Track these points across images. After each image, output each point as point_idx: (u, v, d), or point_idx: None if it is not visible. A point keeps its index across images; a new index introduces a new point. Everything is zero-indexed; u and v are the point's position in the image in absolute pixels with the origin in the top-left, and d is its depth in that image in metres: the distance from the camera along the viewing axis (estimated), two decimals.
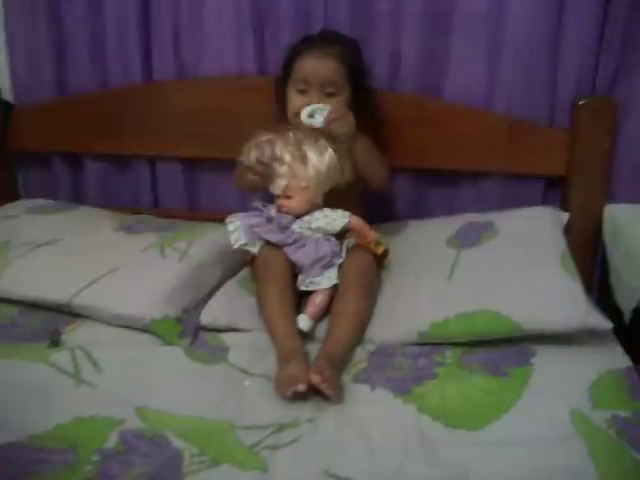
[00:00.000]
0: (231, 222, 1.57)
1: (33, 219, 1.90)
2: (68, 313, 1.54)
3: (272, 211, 1.56)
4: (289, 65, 1.65)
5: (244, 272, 1.66)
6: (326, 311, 1.49)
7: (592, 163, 1.72)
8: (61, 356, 1.34)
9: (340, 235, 1.57)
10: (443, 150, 1.80)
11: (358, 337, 1.42)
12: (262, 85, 1.78)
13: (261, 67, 1.89)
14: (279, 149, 1.53)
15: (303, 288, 1.50)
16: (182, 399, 1.24)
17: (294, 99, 1.62)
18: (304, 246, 1.51)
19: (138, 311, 1.47)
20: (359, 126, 1.60)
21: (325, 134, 1.56)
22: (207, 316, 1.51)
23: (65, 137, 2.08)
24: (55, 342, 1.43)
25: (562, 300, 1.37)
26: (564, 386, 1.22)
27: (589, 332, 1.35)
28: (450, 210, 1.86)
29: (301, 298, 1.52)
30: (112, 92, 2.01)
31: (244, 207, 1.64)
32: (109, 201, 2.10)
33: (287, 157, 1.53)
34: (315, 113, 1.56)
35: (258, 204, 1.60)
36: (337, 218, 1.54)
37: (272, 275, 1.48)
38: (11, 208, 2.00)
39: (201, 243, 1.69)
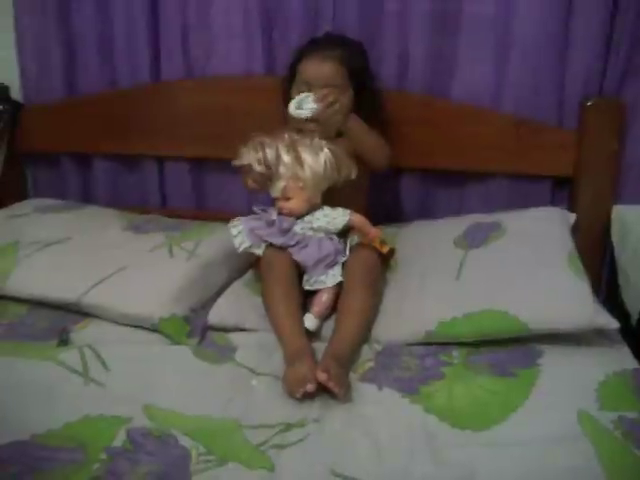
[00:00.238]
0: (234, 226, 1.58)
1: (42, 218, 1.90)
2: (76, 312, 1.55)
3: (273, 215, 1.57)
4: (294, 67, 1.66)
5: (251, 273, 1.67)
6: (332, 310, 1.49)
7: (600, 164, 1.72)
8: (70, 355, 1.35)
9: (343, 233, 1.58)
10: (450, 150, 1.80)
11: (364, 335, 1.42)
12: (270, 85, 1.78)
13: (269, 67, 1.90)
14: (275, 151, 1.54)
15: (308, 287, 1.50)
16: (189, 398, 1.24)
17: None
18: (307, 246, 1.52)
19: (146, 310, 1.47)
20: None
21: (319, 130, 1.58)
22: (215, 316, 1.51)
23: (74, 137, 2.09)
24: (64, 341, 1.44)
25: (569, 300, 1.37)
26: (571, 387, 1.22)
27: (596, 332, 1.36)
28: (457, 210, 1.86)
29: (306, 298, 1.52)
30: (120, 92, 2.02)
31: (251, 206, 1.64)
32: (117, 201, 2.10)
33: (283, 159, 1.53)
34: (302, 104, 1.56)
35: (258, 209, 1.60)
36: (338, 216, 1.55)
37: (277, 276, 1.49)
38: (20, 207, 2.01)
39: (209, 243, 1.70)
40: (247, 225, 1.57)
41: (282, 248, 1.52)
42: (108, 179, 2.12)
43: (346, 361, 1.32)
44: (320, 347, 1.37)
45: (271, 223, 1.56)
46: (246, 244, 1.55)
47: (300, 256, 1.51)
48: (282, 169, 1.54)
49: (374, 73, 1.71)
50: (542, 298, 1.37)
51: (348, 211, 1.56)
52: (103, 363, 1.33)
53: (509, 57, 1.72)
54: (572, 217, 1.71)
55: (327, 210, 1.56)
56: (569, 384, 1.23)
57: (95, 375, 1.29)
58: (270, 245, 1.53)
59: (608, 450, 1.06)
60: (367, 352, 1.39)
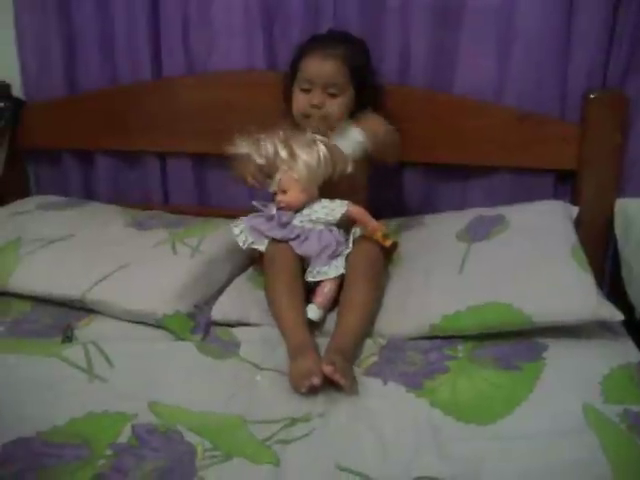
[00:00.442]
0: (236, 226, 1.59)
1: (44, 215, 1.91)
2: (80, 309, 1.56)
3: (272, 210, 1.57)
4: (296, 64, 1.66)
5: (253, 269, 1.67)
6: (334, 303, 1.49)
7: (603, 157, 1.71)
8: (74, 351, 1.35)
9: (346, 227, 1.59)
10: (453, 144, 1.80)
11: (367, 328, 1.42)
12: (271, 80, 1.78)
13: (270, 63, 1.90)
14: (272, 147, 1.55)
15: (311, 279, 1.50)
16: (194, 394, 1.24)
17: (298, 98, 1.64)
18: (308, 239, 1.53)
19: (150, 306, 1.48)
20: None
21: (322, 126, 1.61)
22: (218, 311, 1.52)
23: (75, 134, 2.09)
24: (68, 337, 1.44)
25: (573, 292, 1.36)
26: (576, 380, 1.22)
27: (601, 325, 1.36)
28: (460, 204, 1.86)
29: (309, 293, 1.51)
30: (122, 89, 2.02)
31: (250, 205, 1.65)
32: (119, 197, 2.11)
33: (279, 153, 1.54)
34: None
35: (258, 204, 1.60)
36: (336, 207, 1.56)
37: (280, 269, 1.49)
38: (23, 204, 2.01)
39: (212, 239, 1.70)
40: (248, 223, 1.58)
41: (284, 242, 1.52)
42: (110, 176, 2.12)
43: (350, 354, 1.32)
44: (322, 342, 1.37)
45: (271, 218, 1.56)
46: (249, 241, 1.56)
47: (302, 249, 1.51)
48: (278, 163, 1.55)
49: (375, 69, 1.70)
50: (546, 291, 1.37)
51: (346, 202, 1.57)
52: (107, 359, 1.33)
53: (512, 50, 1.71)
54: (575, 210, 1.70)
55: (325, 202, 1.57)
56: (574, 377, 1.23)
57: (99, 371, 1.29)
58: (273, 240, 1.54)
59: (613, 443, 1.06)
60: (371, 346, 1.39)
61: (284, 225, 1.55)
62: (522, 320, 1.34)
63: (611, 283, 1.78)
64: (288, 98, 1.69)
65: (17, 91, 2.13)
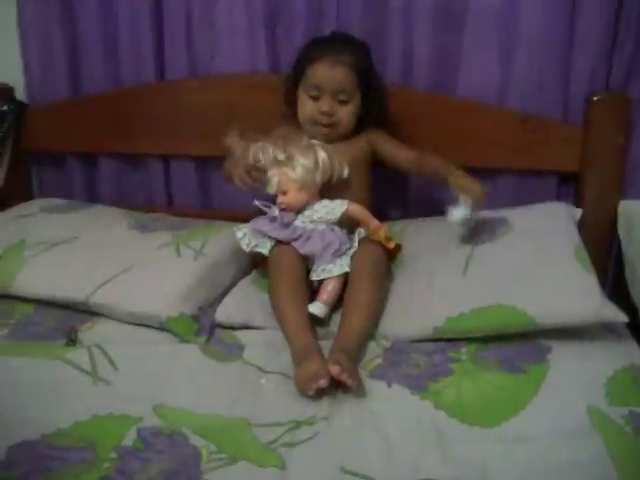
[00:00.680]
0: (239, 229, 1.60)
1: (48, 218, 1.91)
2: (84, 311, 1.56)
3: (274, 211, 1.58)
4: (301, 69, 1.65)
5: (256, 272, 1.67)
6: (338, 303, 1.49)
7: (606, 159, 1.71)
8: (78, 354, 1.35)
9: (350, 228, 1.60)
10: (456, 147, 1.79)
11: (371, 328, 1.42)
12: (274, 83, 1.78)
13: (273, 65, 1.90)
14: (269, 152, 1.57)
15: (315, 278, 1.50)
16: (199, 396, 1.24)
17: (307, 105, 1.65)
18: (310, 238, 1.53)
19: (154, 309, 1.48)
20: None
21: (331, 133, 1.64)
22: (222, 314, 1.52)
23: (79, 136, 2.09)
24: (72, 340, 1.44)
25: (577, 293, 1.36)
26: (580, 382, 1.22)
27: (605, 327, 1.36)
28: None
29: (313, 293, 1.51)
30: (125, 91, 2.02)
31: (252, 206, 1.65)
32: (123, 200, 2.11)
33: (276, 156, 1.56)
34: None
35: (260, 204, 1.61)
36: (336, 206, 1.58)
37: (284, 271, 1.49)
38: (26, 207, 2.01)
39: (216, 242, 1.70)
40: (251, 226, 1.59)
41: (288, 245, 1.53)
42: (114, 178, 2.13)
43: (354, 354, 1.32)
44: (326, 345, 1.36)
45: (273, 219, 1.57)
46: (253, 244, 1.56)
47: (305, 248, 1.52)
48: (275, 167, 1.57)
49: (378, 72, 1.71)
50: (549, 293, 1.37)
51: (346, 201, 1.58)
52: (111, 362, 1.33)
53: (514, 53, 1.71)
54: (578, 212, 1.70)
55: (326, 202, 1.59)
56: (578, 379, 1.23)
57: (104, 374, 1.29)
58: (277, 244, 1.54)
59: (618, 445, 1.06)
60: (375, 349, 1.39)
61: (286, 226, 1.55)
62: (526, 322, 1.34)
63: (614, 284, 1.78)
64: (290, 102, 1.69)
65: (20, 94, 2.13)
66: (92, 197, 2.16)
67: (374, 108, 1.67)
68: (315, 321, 1.44)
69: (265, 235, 1.56)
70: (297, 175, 1.55)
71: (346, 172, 1.61)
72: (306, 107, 1.65)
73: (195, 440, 1.12)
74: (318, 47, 1.65)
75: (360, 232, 1.58)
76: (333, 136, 1.65)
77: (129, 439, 1.12)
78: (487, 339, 1.37)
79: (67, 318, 1.55)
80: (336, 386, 1.22)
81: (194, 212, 2.01)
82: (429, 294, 1.46)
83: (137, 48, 1.96)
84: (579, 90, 1.72)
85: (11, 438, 1.10)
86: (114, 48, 1.99)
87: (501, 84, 1.76)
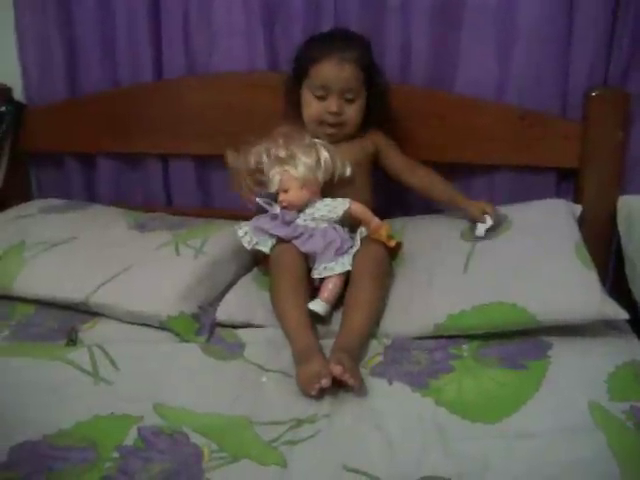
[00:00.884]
0: (240, 228, 1.60)
1: (47, 219, 1.90)
2: (84, 311, 1.56)
3: (276, 209, 1.58)
4: (304, 69, 1.62)
5: (257, 270, 1.67)
6: (339, 302, 1.49)
7: (605, 154, 1.71)
8: (79, 354, 1.35)
9: (351, 226, 1.60)
10: (454, 143, 1.80)
11: (372, 327, 1.42)
12: (273, 81, 1.78)
13: (272, 62, 1.89)
14: (270, 153, 1.58)
15: (317, 276, 1.50)
16: (200, 395, 1.24)
17: (312, 105, 1.63)
18: (312, 236, 1.53)
19: (154, 308, 1.48)
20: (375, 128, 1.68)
21: (337, 133, 1.64)
22: (223, 312, 1.52)
23: (77, 137, 2.09)
24: (73, 340, 1.44)
25: (577, 290, 1.37)
26: (581, 378, 1.22)
27: (605, 323, 1.36)
28: None
29: (314, 291, 1.51)
30: (123, 91, 2.02)
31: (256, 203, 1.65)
32: (122, 200, 2.10)
33: (278, 155, 1.57)
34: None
35: (261, 200, 1.61)
36: (338, 205, 1.58)
37: (285, 269, 1.48)
38: (25, 208, 2.01)
39: (215, 240, 1.70)
40: (252, 224, 1.59)
41: (289, 243, 1.52)
42: (112, 178, 2.12)
43: (356, 353, 1.32)
44: (327, 344, 1.36)
45: (275, 217, 1.57)
46: (254, 241, 1.56)
47: (306, 246, 1.52)
48: (277, 165, 1.57)
49: (381, 68, 1.70)
50: (550, 290, 1.37)
51: (348, 199, 1.59)
52: (112, 362, 1.33)
53: (512, 49, 1.71)
54: (578, 209, 1.70)
55: (328, 200, 1.59)
56: (579, 375, 1.23)
57: (105, 374, 1.29)
58: (278, 242, 1.54)
59: (620, 440, 1.06)
60: (376, 346, 1.39)
61: (288, 224, 1.55)
62: (527, 319, 1.34)
63: (614, 280, 1.78)
64: (293, 102, 1.68)
65: (18, 95, 2.13)
66: (91, 197, 2.16)
67: (378, 103, 1.66)
68: (316, 319, 1.44)
69: (266, 233, 1.56)
70: (299, 173, 1.55)
71: (348, 171, 1.61)
72: (312, 107, 1.62)
73: (196, 439, 1.12)
74: (320, 45, 1.62)
75: (362, 231, 1.58)
76: (339, 136, 1.64)
77: (130, 439, 1.12)
78: (488, 336, 1.37)
79: (68, 318, 1.55)
80: (338, 386, 1.22)
81: (193, 211, 2.00)
82: (430, 291, 1.46)
83: (134, 48, 1.96)
84: (577, 85, 1.72)
85: (13, 439, 1.10)
86: (111, 48, 1.99)
87: (499, 80, 1.76)
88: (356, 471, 1.04)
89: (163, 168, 2.08)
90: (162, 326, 1.47)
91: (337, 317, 1.46)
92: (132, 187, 2.14)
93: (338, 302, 1.49)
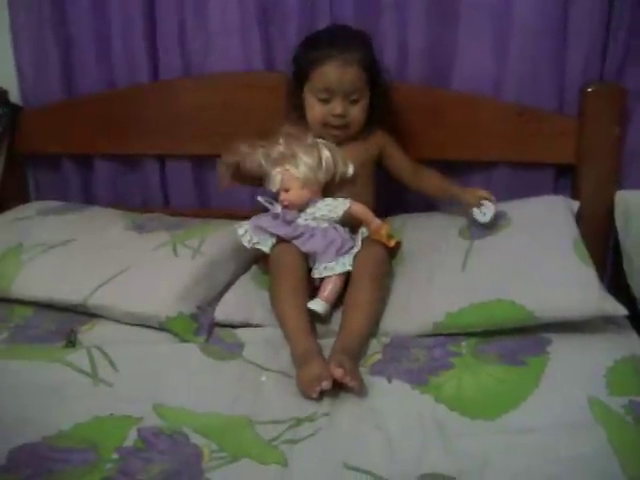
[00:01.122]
0: (240, 226, 1.60)
1: (45, 221, 1.90)
2: (83, 313, 1.55)
3: (277, 209, 1.58)
4: (304, 71, 1.59)
5: (256, 269, 1.67)
6: (338, 302, 1.49)
7: (602, 150, 1.71)
8: (78, 356, 1.35)
9: (352, 227, 1.60)
10: (452, 140, 1.80)
11: (372, 328, 1.42)
12: (269, 81, 1.78)
13: (268, 62, 1.89)
14: (272, 152, 1.57)
15: (317, 275, 1.50)
16: (199, 396, 1.24)
17: (316, 108, 1.60)
18: (313, 236, 1.53)
19: (153, 309, 1.47)
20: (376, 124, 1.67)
21: (342, 134, 1.62)
22: (221, 312, 1.52)
23: (73, 138, 2.09)
24: (71, 342, 1.44)
25: (576, 287, 1.37)
26: (581, 374, 1.22)
27: (604, 319, 1.36)
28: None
29: (314, 291, 1.51)
30: (119, 92, 2.01)
31: (254, 203, 1.65)
32: (119, 201, 2.10)
33: (279, 152, 1.57)
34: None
35: (262, 200, 1.61)
36: (338, 205, 1.58)
37: (285, 269, 1.48)
38: (23, 210, 2.00)
39: (213, 240, 1.70)
40: (252, 222, 1.59)
41: (289, 243, 1.52)
42: (109, 180, 2.12)
43: (356, 354, 1.32)
44: (327, 344, 1.36)
45: (276, 216, 1.57)
46: (254, 240, 1.56)
47: (307, 246, 1.52)
48: (278, 165, 1.57)
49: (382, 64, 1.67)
50: (548, 287, 1.37)
51: (348, 199, 1.59)
52: (111, 363, 1.33)
53: (509, 45, 1.71)
54: (576, 205, 1.70)
55: (328, 200, 1.59)
56: (578, 371, 1.23)
57: (104, 375, 1.29)
58: (278, 242, 1.54)
59: (620, 435, 1.06)
60: (375, 345, 1.39)
61: (289, 223, 1.55)
62: (525, 316, 1.34)
63: (612, 275, 1.79)
64: (295, 105, 1.66)
65: (14, 97, 2.12)
66: (88, 199, 2.16)
67: (381, 101, 1.65)
68: (315, 319, 1.44)
69: (267, 232, 1.56)
70: (300, 173, 1.55)
71: (350, 171, 1.61)
72: (315, 110, 1.60)
73: (196, 439, 1.12)
74: (320, 47, 1.57)
75: (363, 232, 1.58)
76: (344, 137, 1.63)
77: (130, 439, 1.12)
78: (487, 333, 1.37)
79: (66, 320, 1.55)
80: (338, 387, 1.22)
81: (191, 212, 2.00)
82: (429, 290, 1.46)
83: (130, 48, 1.95)
84: (574, 81, 1.72)
85: (12, 441, 1.10)
86: (107, 49, 1.98)
87: (496, 76, 1.76)
88: (357, 469, 1.04)
89: (160, 169, 2.07)
90: (161, 327, 1.47)
91: (337, 317, 1.46)
92: (129, 188, 2.13)
93: (338, 302, 1.49)
